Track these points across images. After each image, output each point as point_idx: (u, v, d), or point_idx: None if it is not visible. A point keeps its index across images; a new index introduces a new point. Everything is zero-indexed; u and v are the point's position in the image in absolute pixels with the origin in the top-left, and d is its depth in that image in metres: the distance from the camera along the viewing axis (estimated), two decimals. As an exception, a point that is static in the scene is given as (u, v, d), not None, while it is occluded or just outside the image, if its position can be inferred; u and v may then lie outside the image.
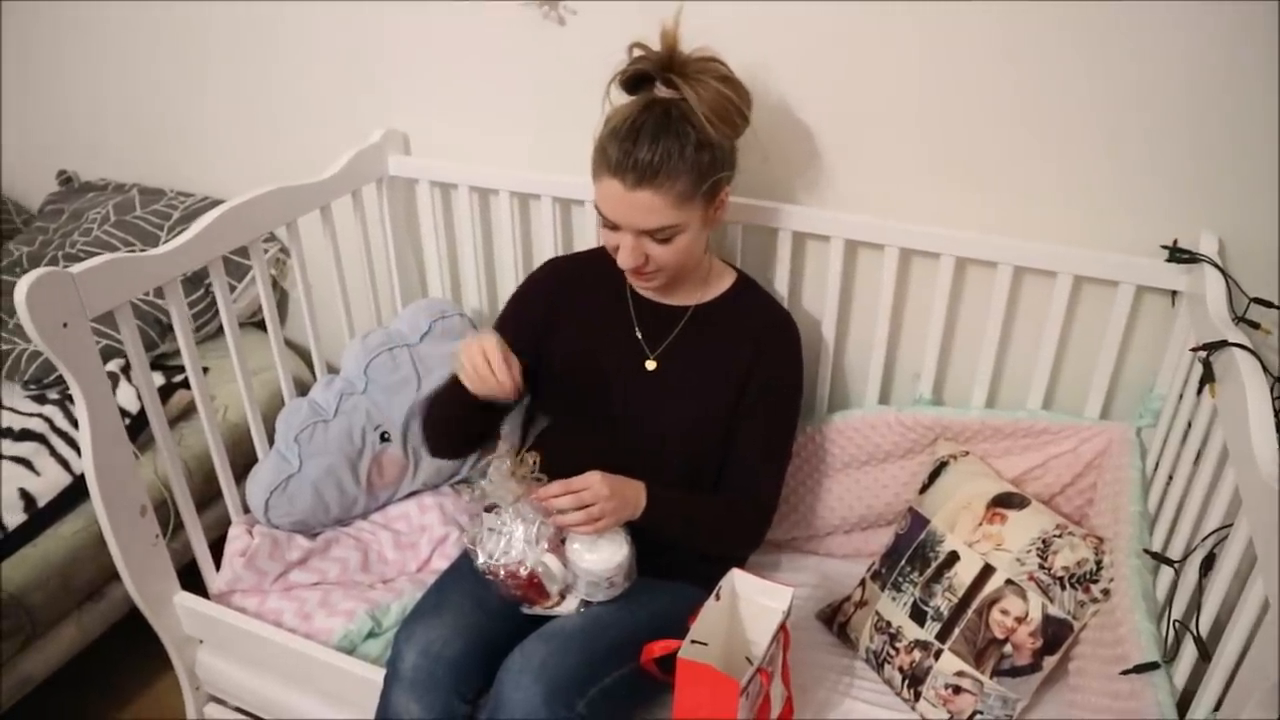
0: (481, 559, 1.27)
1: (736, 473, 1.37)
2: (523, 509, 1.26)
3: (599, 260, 1.39)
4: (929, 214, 1.46)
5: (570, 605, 1.29)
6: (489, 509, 1.31)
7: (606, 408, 1.40)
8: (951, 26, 1.34)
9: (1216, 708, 1.00)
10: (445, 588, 1.36)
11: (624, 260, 1.27)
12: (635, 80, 1.27)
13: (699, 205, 1.24)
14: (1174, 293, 1.37)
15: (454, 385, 1.30)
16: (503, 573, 1.26)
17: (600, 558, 1.25)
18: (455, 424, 1.39)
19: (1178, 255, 1.31)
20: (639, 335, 1.40)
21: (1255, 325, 1.24)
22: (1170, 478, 1.28)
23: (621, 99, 1.28)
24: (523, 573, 1.25)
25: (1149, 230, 1.35)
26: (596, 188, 1.25)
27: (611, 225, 1.26)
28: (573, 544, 1.26)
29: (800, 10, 1.41)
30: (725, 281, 1.43)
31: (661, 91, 1.24)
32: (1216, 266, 1.25)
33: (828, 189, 1.52)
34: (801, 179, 1.53)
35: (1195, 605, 1.08)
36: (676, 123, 1.20)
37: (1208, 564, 1.08)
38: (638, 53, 1.26)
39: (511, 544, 1.26)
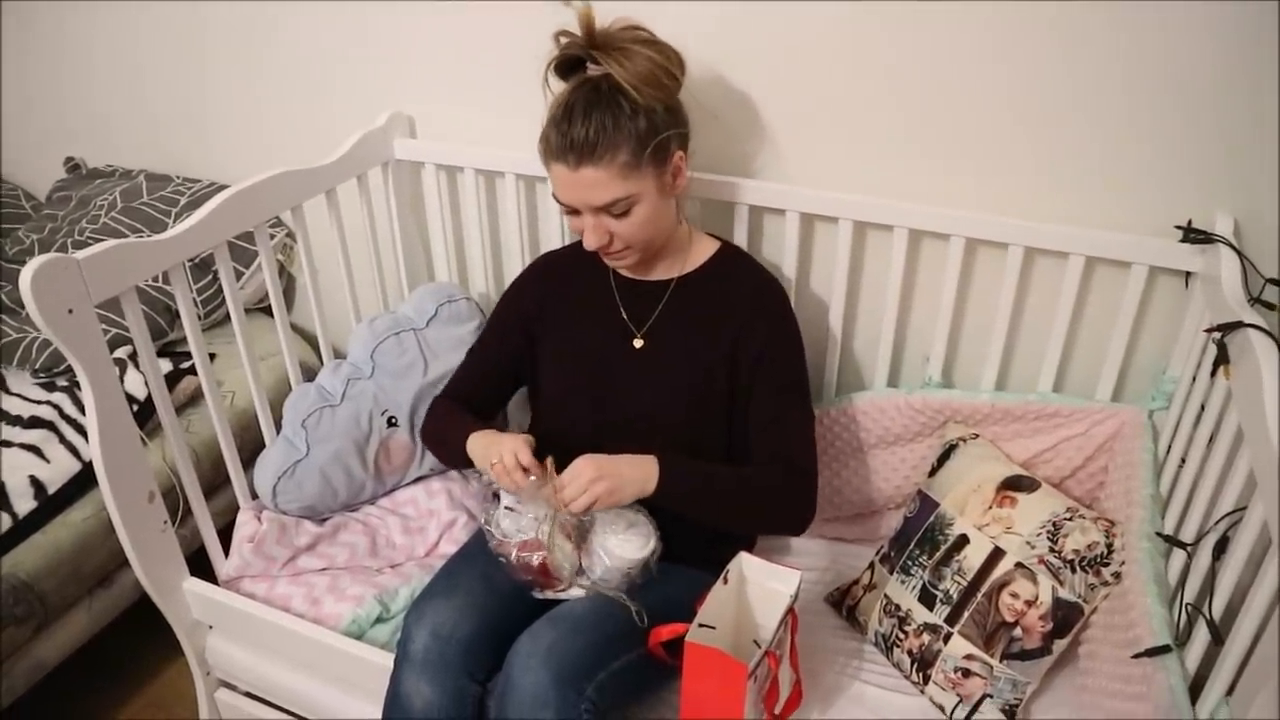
0: (495, 539, 1.28)
1: (759, 444, 1.35)
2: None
3: (583, 248, 1.40)
4: (938, 195, 1.44)
5: (579, 590, 1.29)
6: (497, 494, 1.31)
7: (600, 390, 1.40)
8: (962, 5, 1.32)
9: (1229, 692, 0.99)
10: (456, 570, 1.37)
11: (589, 242, 1.29)
12: (567, 66, 1.29)
13: (649, 173, 1.25)
14: (1188, 274, 1.35)
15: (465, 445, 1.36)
16: (513, 554, 1.26)
17: (628, 548, 1.25)
18: (460, 460, 1.41)
19: (1192, 236, 1.29)
20: (624, 315, 1.41)
21: (1271, 306, 1.22)
22: (1183, 461, 1.26)
23: (560, 88, 1.29)
24: (535, 561, 1.25)
25: (1162, 210, 1.33)
26: (549, 176, 1.28)
27: (571, 210, 1.28)
28: (601, 534, 1.26)
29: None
30: (707, 251, 1.43)
31: (592, 70, 1.26)
32: (1232, 247, 1.23)
33: (835, 170, 1.50)
34: (808, 160, 1.52)
35: (1208, 589, 1.07)
36: (607, 96, 1.22)
37: (1221, 547, 1.07)
38: (563, 40, 1.28)
39: (524, 526, 1.27)
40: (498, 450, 1.26)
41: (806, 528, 1.35)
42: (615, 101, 1.22)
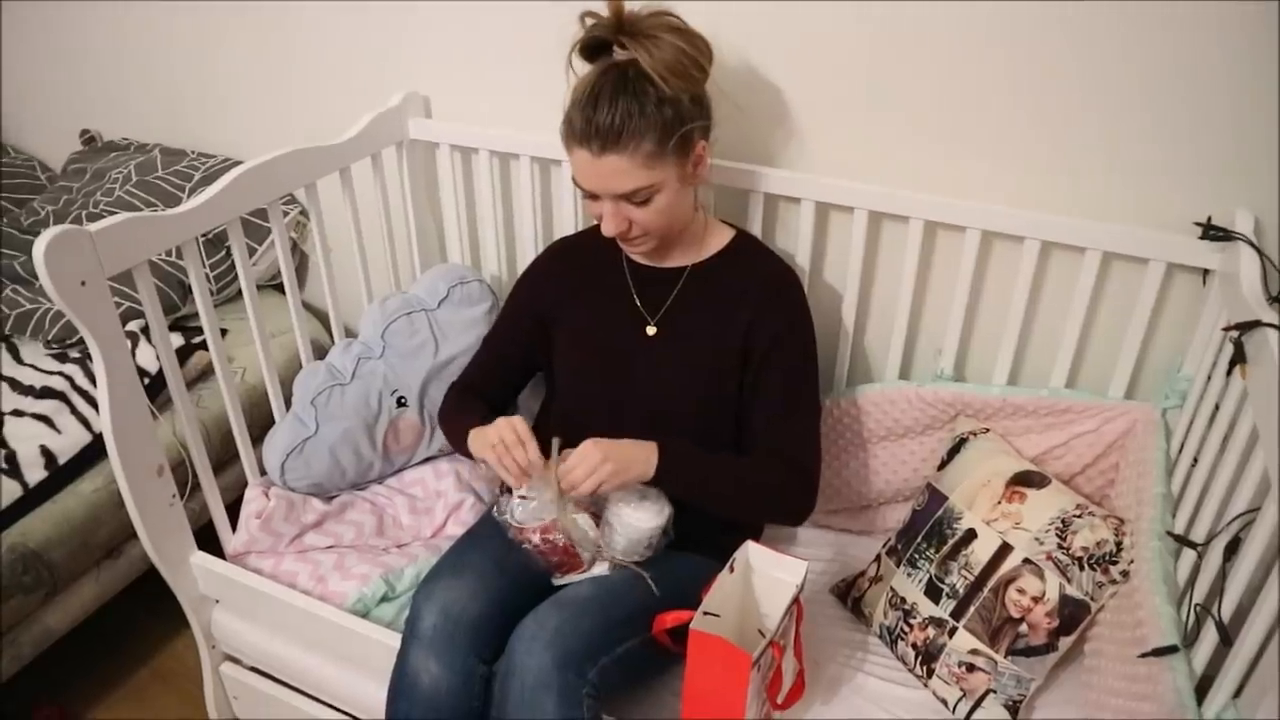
0: (512, 529, 1.28)
1: (764, 435, 1.35)
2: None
3: (598, 234, 1.39)
4: (955, 187, 1.43)
5: (602, 569, 1.30)
6: (509, 488, 1.31)
7: (613, 378, 1.40)
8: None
9: (1236, 694, 0.98)
10: (465, 550, 1.37)
11: (607, 228, 1.28)
12: (593, 48, 1.26)
13: (671, 162, 1.24)
14: (1206, 271, 1.34)
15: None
16: (536, 538, 1.27)
17: (644, 516, 1.26)
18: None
19: (1211, 233, 1.28)
20: (638, 302, 1.40)
21: (1290, 306, 1.21)
22: (1195, 460, 1.25)
23: (585, 70, 1.27)
24: (559, 541, 1.26)
25: (1182, 207, 1.31)
26: (570, 160, 1.26)
27: (590, 195, 1.27)
28: (617, 505, 1.27)
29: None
30: (722, 239, 1.42)
31: (619, 55, 1.24)
32: (1252, 245, 1.21)
33: (852, 161, 1.49)
34: (825, 150, 1.51)
35: (1218, 589, 1.06)
36: (634, 82, 1.20)
37: (1232, 548, 1.06)
38: (589, 21, 1.25)
39: (538, 511, 1.27)
40: (495, 432, 1.26)
41: (804, 520, 1.37)
42: (642, 89, 1.20)
